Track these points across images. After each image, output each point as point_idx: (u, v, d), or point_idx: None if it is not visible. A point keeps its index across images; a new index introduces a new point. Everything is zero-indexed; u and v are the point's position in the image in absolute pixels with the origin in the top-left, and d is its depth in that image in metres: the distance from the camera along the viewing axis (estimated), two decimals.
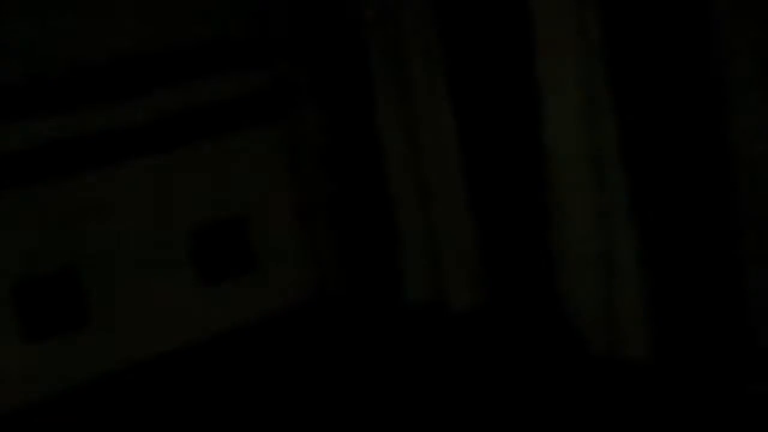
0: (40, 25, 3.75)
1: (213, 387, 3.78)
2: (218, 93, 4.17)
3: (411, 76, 3.81)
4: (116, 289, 4.01)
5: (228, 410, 3.53)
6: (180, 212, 4.15)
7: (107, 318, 4.00)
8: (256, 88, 4.28)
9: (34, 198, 3.81)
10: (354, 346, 3.93)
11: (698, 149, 2.93)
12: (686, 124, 2.95)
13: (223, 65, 4.18)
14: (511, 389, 3.29)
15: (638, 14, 2.97)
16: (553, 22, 3.13)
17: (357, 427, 3.23)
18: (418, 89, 3.81)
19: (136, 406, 3.72)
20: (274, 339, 4.18)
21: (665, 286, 3.18)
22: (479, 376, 3.44)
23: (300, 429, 3.30)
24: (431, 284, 4.04)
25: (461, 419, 3.15)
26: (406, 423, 3.19)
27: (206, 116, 4.17)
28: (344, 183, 4.35)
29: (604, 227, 3.24)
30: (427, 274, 4.05)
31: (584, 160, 3.20)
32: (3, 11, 3.68)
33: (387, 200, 4.14)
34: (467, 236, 3.84)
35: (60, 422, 3.70)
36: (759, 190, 2.72)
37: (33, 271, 3.83)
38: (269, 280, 4.37)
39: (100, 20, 3.90)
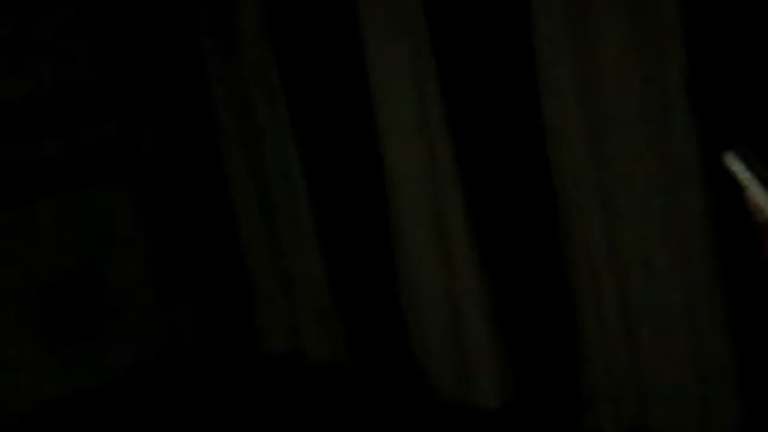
0: None
1: None
2: (63, 147, 4.06)
3: (257, 123, 3.83)
4: None
5: None
6: (28, 271, 4.03)
7: None
8: (102, 141, 4.19)
9: None
10: (209, 400, 3.89)
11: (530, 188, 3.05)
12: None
13: (70, 118, 4.10)
14: None
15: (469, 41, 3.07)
16: (388, 62, 3.22)
17: None
18: (265, 136, 3.83)
19: None
20: (130, 397, 4.10)
21: (511, 331, 3.28)
22: (334, 426, 3.46)
23: None
24: (288, 336, 4.04)
25: None
26: None
27: (52, 171, 4.07)
28: (197, 234, 4.32)
29: (450, 277, 3.31)
30: (283, 325, 4.05)
31: (427, 210, 3.29)
32: None
33: (241, 250, 4.12)
34: (322, 287, 3.86)
35: None
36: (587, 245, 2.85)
37: None
38: (123, 338, 4.27)
39: None
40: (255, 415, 3.67)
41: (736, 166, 1.03)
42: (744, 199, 1.03)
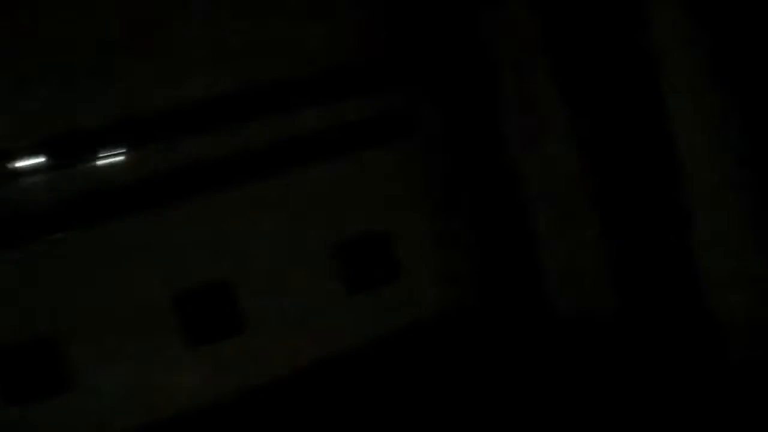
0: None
1: (369, 390, 3.94)
2: (353, 113, 4.37)
3: (537, 102, 3.84)
4: (267, 300, 4.21)
5: (383, 413, 3.66)
6: (322, 227, 4.33)
7: (259, 324, 4.21)
8: (388, 107, 4.43)
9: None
10: (502, 354, 4.01)
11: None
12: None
13: (358, 87, 4.36)
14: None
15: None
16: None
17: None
18: (541, 110, 3.84)
19: (300, 411, 3.89)
20: (420, 345, 4.30)
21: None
22: (615, 381, 3.43)
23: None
24: (571, 299, 4.04)
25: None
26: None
27: (343, 136, 4.36)
28: (476, 198, 4.39)
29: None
30: (566, 289, 4.05)
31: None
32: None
33: (519, 215, 4.16)
34: (600, 252, 3.82)
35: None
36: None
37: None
38: (409, 291, 4.48)
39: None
40: (545, 370, 3.72)
41: None
42: None
